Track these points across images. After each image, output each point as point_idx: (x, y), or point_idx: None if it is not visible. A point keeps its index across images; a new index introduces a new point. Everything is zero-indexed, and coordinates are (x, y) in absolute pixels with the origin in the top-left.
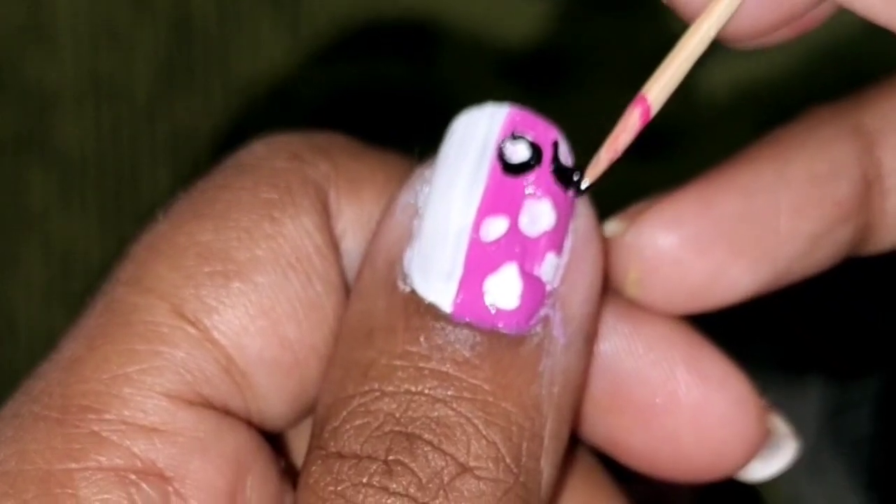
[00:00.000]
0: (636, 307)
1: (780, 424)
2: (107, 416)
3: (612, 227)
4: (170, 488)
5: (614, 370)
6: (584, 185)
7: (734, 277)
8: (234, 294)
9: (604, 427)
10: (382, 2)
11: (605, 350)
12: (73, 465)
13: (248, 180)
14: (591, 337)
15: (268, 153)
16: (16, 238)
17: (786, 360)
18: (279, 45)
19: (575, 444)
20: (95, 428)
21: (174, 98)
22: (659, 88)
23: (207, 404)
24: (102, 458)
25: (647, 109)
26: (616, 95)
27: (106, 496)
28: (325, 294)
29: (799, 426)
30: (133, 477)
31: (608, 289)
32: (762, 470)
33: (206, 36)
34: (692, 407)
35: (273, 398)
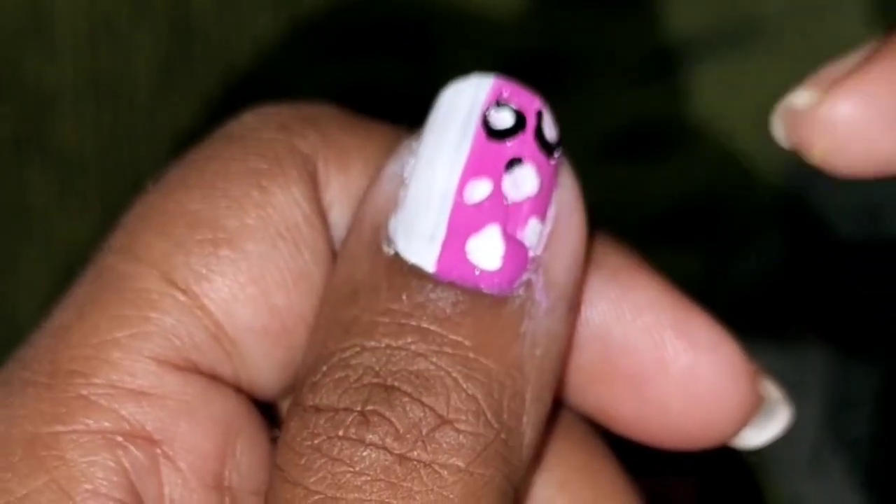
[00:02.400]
0: (623, 272)
1: (772, 390)
2: (95, 380)
3: (805, 97)
4: (158, 451)
5: (602, 337)
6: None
7: None
8: (224, 262)
9: (593, 396)
10: (383, 2)
11: (593, 317)
12: (61, 428)
13: (237, 150)
14: (573, 305)
15: (257, 123)
16: (16, 237)
17: (786, 359)
18: (279, 44)
19: (558, 409)
20: (83, 392)
21: (174, 97)
22: None
23: (195, 370)
24: (90, 421)
25: None
26: (616, 95)
27: (93, 458)
28: (314, 263)
29: (799, 425)
30: (120, 439)
31: (597, 254)
32: (756, 437)
33: (206, 35)
34: (682, 373)
35: (262, 366)
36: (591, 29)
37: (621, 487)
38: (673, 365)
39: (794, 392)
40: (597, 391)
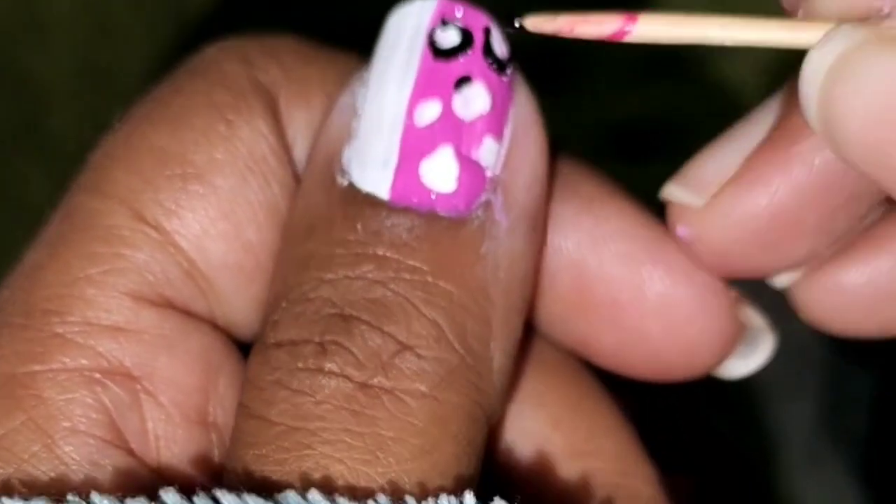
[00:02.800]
0: (597, 200)
1: (755, 317)
2: (70, 319)
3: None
4: (138, 387)
5: (578, 266)
6: (525, 25)
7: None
8: (194, 197)
9: (573, 328)
10: (382, 2)
11: (568, 246)
12: (37, 368)
13: (200, 84)
14: (536, 223)
15: (219, 57)
16: (12, 231)
17: (783, 356)
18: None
19: (549, 348)
20: (59, 330)
21: None
22: (654, 30)
23: (170, 306)
24: (67, 360)
25: (627, 30)
26: (616, 95)
27: (71, 396)
28: (282, 197)
29: (797, 424)
30: (99, 376)
31: (558, 180)
32: (740, 367)
33: (202, 27)
34: (659, 301)
35: (238, 304)
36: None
37: (615, 423)
38: (649, 291)
39: (793, 391)
40: (576, 322)
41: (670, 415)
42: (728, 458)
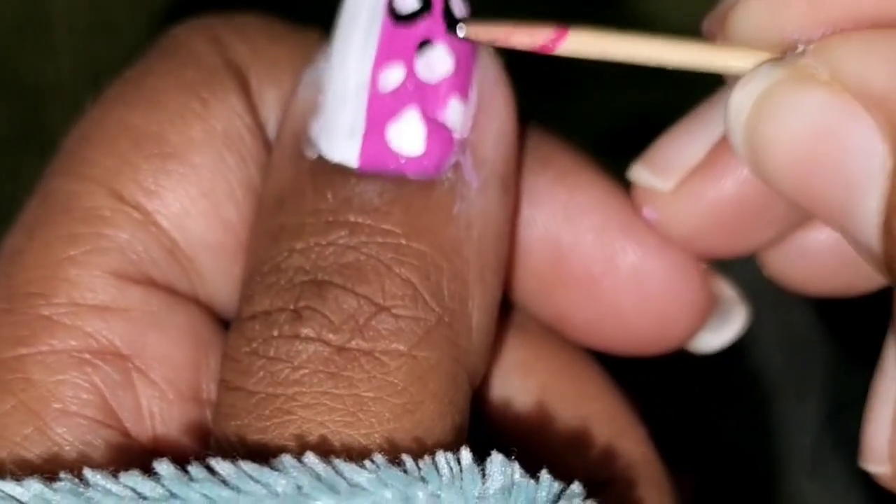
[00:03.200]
0: (571, 173)
1: (727, 290)
2: (55, 300)
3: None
4: (129, 365)
5: (551, 238)
6: (459, 34)
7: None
8: (173, 177)
9: (547, 300)
10: None
11: (541, 218)
12: (24, 351)
13: (171, 63)
14: (508, 182)
15: (188, 37)
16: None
17: (785, 354)
18: None
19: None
20: (45, 312)
21: None
22: (582, 44)
23: (154, 284)
24: (55, 342)
25: (557, 43)
26: (610, 93)
27: (60, 377)
28: (258, 175)
29: (799, 424)
30: (89, 356)
31: (532, 152)
32: (713, 340)
33: None
34: (631, 273)
35: (220, 282)
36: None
37: (603, 386)
38: (622, 264)
39: (795, 391)
40: (549, 295)
41: (670, 414)
42: (728, 458)
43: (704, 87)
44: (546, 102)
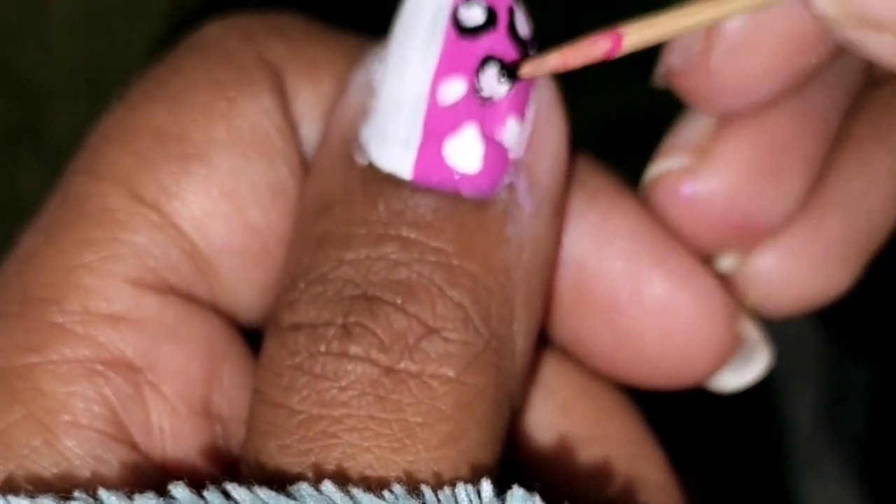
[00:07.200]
0: (604, 196)
1: (752, 331)
2: (68, 308)
3: (727, 263)
4: (141, 378)
5: (578, 262)
6: (520, 74)
7: (838, 282)
8: (194, 177)
9: (568, 325)
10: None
11: (569, 241)
12: (36, 359)
13: (200, 61)
14: (558, 207)
15: (221, 34)
16: (9, 231)
17: (780, 352)
18: None
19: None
20: (58, 320)
21: None
22: (640, 36)
23: (172, 291)
24: (66, 350)
25: (617, 47)
26: (616, 94)
27: (71, 388)
28: (290, 177)
29: (796, 418)
30: (100, 368)
31: (578, 175)
32: (733, 380)
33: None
34: (657, 304)
35: (243, 289)
36: (592, 27)
37: (621, 404)
38: (648, 294)
39: (789, 386)
40: (571, 320)
41: (670, 412)
42: (727, 453)
43: None
44: None
